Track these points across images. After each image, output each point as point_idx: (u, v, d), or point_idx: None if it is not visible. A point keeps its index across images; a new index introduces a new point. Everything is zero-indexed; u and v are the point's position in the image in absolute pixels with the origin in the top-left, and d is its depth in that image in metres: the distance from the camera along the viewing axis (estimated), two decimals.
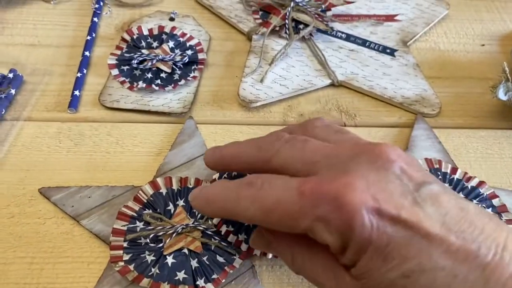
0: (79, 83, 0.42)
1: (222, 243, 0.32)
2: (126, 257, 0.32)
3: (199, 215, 0.34)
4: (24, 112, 0.41)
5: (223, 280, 0.31)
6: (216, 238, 0.33)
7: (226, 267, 0.32)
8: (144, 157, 0.38)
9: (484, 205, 0.35)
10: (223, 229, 0.32)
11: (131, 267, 0.31)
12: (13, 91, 0.41)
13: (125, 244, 0.32)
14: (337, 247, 0.22)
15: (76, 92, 0.42)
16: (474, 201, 0.36)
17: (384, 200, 0.21)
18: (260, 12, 0.51)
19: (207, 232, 0.33)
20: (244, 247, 0.32)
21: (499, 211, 0.35)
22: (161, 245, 0.32)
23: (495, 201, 0.36)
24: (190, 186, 0.35)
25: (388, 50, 0.49)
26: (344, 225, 0.21)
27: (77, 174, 0.37)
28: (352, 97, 0.45)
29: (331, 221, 0.21)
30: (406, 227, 0.20)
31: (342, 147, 0.23)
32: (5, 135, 0.39)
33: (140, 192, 0.35)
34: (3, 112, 0.40)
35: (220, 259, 0.32)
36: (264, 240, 0.27)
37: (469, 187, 0.37)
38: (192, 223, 0.33)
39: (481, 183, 0.37)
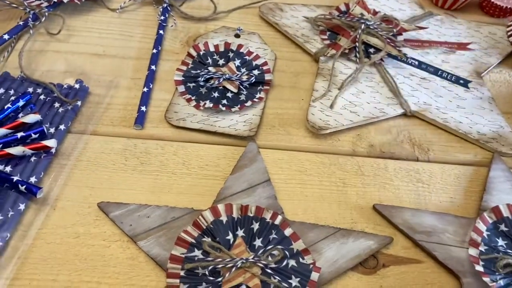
0: (145, 99, 0.41)
1: (283, 283, 0.31)
2: (183, 287, 0.30)
3: (259, 250, 0.32)
4: (90, 125, 0.40)
5: None
6: (276, 277, 0.31)
7: None
8: (210, 180, 0.37)
9: None
10: None
11: None
12: (79, 103, 0.40)
13: (182, 273, 0.31)
14: None
15: (143, 108, 0.41)
16: None
17: None
18: (328, 33, 0.49)
19: (267, 269, 0.31)
20: None
21: None
22: (220, 279, 0.31)
23: None
24: (251, 215, 0.34)
25: (461, 81, 0.46)
26: None
27: (142, 195, 0.36)
28: (424, 129, 0.43)
29: None
30: None
31: None
32: (71, 149, 0.38)
33: (200, 217, 0.33)
34: (69, 125, 0.39)
35: None
36: None
37: None
38: (252, 258, 0.31)
39: None
